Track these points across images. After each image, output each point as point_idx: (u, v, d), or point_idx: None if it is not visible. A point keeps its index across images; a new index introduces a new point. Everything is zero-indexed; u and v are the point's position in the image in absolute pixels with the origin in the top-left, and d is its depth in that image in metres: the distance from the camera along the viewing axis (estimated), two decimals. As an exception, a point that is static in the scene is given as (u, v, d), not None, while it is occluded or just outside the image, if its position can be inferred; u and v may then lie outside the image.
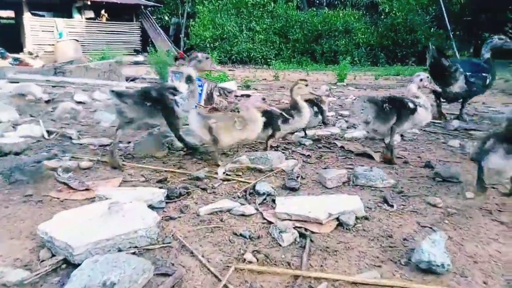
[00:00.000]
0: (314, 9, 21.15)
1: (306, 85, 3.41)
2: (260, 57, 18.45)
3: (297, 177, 2.76)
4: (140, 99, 2.87)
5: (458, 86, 4.51)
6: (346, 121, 4.82)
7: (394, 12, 19.84)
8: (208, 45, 18.47)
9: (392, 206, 2.29)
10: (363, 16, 20.29)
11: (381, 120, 3.06)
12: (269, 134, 3.34)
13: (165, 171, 2.80)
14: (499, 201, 2.41)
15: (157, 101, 2.93)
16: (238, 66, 17.36)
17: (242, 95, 7.34)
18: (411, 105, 3.12)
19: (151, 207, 2.06)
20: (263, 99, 3.10)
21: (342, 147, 3.61)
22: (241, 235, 1.88)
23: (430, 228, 2.03)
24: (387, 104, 3.07)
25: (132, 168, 2.86)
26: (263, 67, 16.88)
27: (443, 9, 18.03)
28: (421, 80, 3.24)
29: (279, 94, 7.79)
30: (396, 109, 3.07)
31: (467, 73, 4.59)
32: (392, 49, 18.78)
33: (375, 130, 3.16)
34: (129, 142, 3.51)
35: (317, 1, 24.78)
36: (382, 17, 20.54)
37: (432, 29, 19.37)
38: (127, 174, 2.74)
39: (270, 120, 3.24)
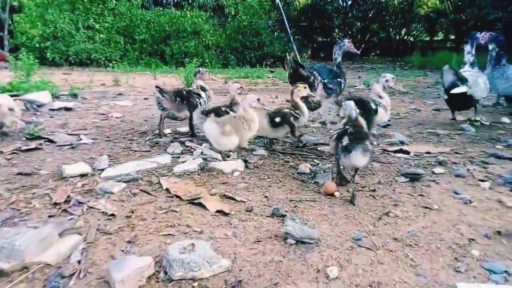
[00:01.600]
0: (161, 8, 19.66)
1: (305, 88, 3.59)
2: (103, 58, 16.18)
3: (73, 274, 1.56)
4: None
5: (318, 94, 4.31)
6: (183, 143, 3.75)
7: (239, 15, 19.72)
8: (37, 45, 15.39)
9: (222, 331, 1.29)
10: (211, 17, 19.66)
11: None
12: (288, 132, 3.54)
13: None
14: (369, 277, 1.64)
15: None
16: (77, 69, 14.88)
17: (61, 109, 5.67)
18: (373, 106, 3.30)
19: None
20: (258, 99, 3.17)
21: (167, 189, 2.52)
22: None
23: None
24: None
25: None
26: (106, 69, 14.77)
27: (283, 15, 18.62)
28: (386, 80, 3.42)
29: (112, 104, 6.31)
30: (360, 110, 3.08)
31: (325, 80, 4.38)
32: (241, 51, 18.59)
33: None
34: None
35: (164, 1, 23.30)
36: (229, 19, 20.27)
37: (276, 33, 19.86)
38: None
39: (285, 119, 3.45)
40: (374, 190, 2.58)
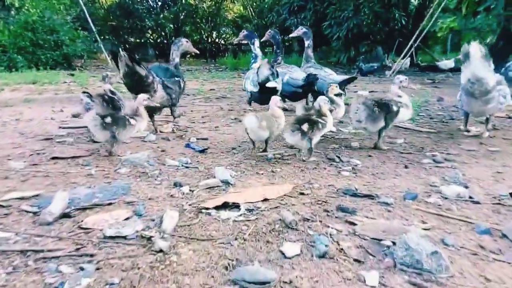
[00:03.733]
0: None
1: (336, 87, 3.65)
2: None
3: None
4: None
5: (159, 96, 3.82)
6: None
7: (27, 8, 15.63)
8: None
9: None
10: (-16, 9, 14.93)
11: (371, 120, 3.20)
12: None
13: None
14: None
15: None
16: None
17: None
18: (395, 108, 3.24)
19: None
20: (280, 99, 3.14)
21: None
22: None
23: None
24: (376, 108, 3.18)
25: None
26: None
27: (85, 11, 15.51)
28: (401, 81, 3.44)
29: None
30: (384, 112, 3.20)
31: (163, 80, 3.93)
32: (33, 51, 14.65)
33: (365, 128, 3.28)
34: None
35: None
36: (13, 13, 15.88)
37: (79, 31, 16.53)
38: None
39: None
40: None
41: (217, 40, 24.71)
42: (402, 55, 11.51)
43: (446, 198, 2.21)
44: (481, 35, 11.17)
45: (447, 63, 11.28)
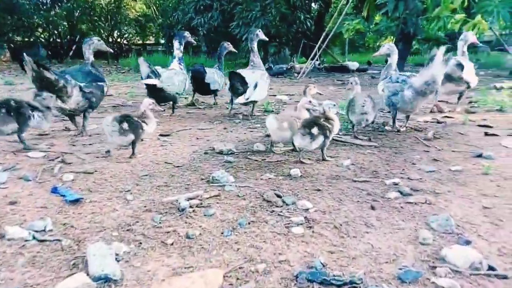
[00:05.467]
0: None
1: (314, 87, 3.55)
2: None
3: None
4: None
5: (74, 101, 3.42)
6: None
7: None
8: None
9: None
10: None
11: (373, 111, 3.38)
12: None
13: None
14: None
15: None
16: None
17: None
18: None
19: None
20: (310, 101, 3.04)
21: None
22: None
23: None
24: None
25: None
26: None
27: None
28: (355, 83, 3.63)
29: None
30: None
31: (81, 84, 3.49)
32: None
33: (367, 120, 3.39)
34: None
35: None
36: None
37: None
38: None
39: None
40: None
41: (119, 39, 22.29)
42: (311, 56, 11.18)
43: (458, 272, 1.40)
44: (383, 37, 11.40)
45: (354, 64, 11.33)
